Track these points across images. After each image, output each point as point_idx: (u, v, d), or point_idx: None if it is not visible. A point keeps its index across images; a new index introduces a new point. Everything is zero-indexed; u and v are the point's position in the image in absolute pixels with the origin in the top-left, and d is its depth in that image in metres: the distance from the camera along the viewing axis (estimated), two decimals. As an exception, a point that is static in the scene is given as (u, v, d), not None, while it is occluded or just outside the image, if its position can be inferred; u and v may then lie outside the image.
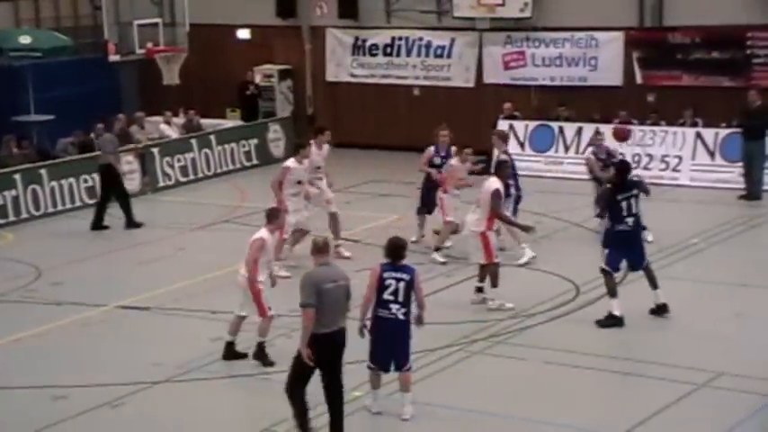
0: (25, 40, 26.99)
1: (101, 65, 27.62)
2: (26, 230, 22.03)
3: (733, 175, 23.58)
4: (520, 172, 23.10)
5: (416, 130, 28.11)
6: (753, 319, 15.53)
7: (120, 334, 15.73)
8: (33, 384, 13.74)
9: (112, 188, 21.97)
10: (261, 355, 14.00)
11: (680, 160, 24.31)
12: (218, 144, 26.93)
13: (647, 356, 14.19)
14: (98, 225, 21.77)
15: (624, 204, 15.35)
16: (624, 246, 15.44)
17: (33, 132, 26.58)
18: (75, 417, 12.75)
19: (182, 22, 27.92)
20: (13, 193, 22.49)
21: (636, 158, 23.47)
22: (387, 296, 12.06)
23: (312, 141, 18.90)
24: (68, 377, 13.87)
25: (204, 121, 28.27)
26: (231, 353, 14.21)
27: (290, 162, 18.30)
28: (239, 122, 28.89)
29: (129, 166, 24.55)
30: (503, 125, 26.14)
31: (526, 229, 16.89)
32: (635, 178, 16.06)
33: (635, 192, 15.46)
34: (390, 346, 12.24)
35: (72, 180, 23.50)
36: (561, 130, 25.80)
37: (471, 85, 28.08)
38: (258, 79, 29.68)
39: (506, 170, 16.59)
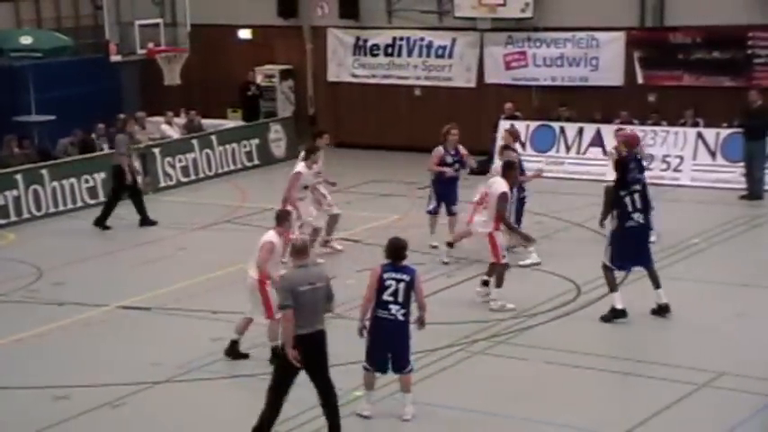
0: (26, 40, 26.99)
1: (102, 65, 27.63)
2: (27, 230, 22.04)
3: (734, 175, 23.58)
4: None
5: (417, 131, 28.17)
6: (754, 319, 15.52)
7: (121, 334, 15.73)
8: (34, 384, 13.75)
9: (124, 188, 21.95)
10: (232, 352, 14.09)
11: (681, 160, 24.31)
12: (219, 144, 26.93)
13: (648, 356, 14.20)
14: (101, 223, 21.73)
15: (628, 200, 15.32)
16: (633, 243, 15.40)
17: (34, 132, 26.60)
18: (76, 417, 12.76)
19: (183, 23, 27.93)
20: (15, 193, 22.50)
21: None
22: (386, 297, 12.04)
23: (302, 163, 18.73)
24: (69, 377, 13.88)
25: (205, 122, 28.29)
26: (234, 351, 14.21)
27: (301, 167, 18.31)
28: (240, 123, 28.90)
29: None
30: (504, 125, 26.15)
31: (526, 238, 16.78)
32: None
33: (637, 187, 15.45)
34: (389, 348, 12.22)
35: (73, 180, 23.51)
36: (562, 130, 25.80)
37: (472, 85, 28.09)
38: (259, 79, 29.69)
39: (514, 171, 16.54)
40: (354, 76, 29.51)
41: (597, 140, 25.05)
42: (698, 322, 15.44)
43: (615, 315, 15.40)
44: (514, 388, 13.31)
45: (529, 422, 12.34)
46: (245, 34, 30.48)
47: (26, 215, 22.61)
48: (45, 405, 13.14)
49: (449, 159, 19.27)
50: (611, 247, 15.45)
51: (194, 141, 26.55)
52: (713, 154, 24.26)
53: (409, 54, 28.77)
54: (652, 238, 18.18)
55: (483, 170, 21.41)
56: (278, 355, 11.61)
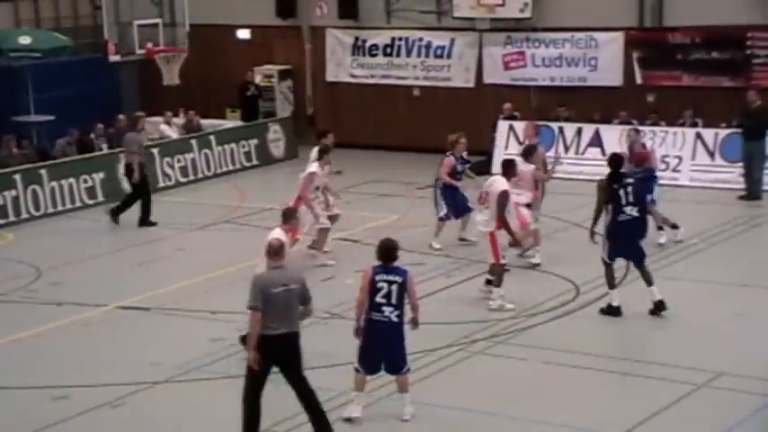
0: (25, 40, 26.97)
1: (101, 65, 27.62)
2: (26, 231, 22.03)
3: (733, 175, 23.58)
4: (520, 171, 23.20)
5: (416, 131, 28.19)
6: (753, 320, 15.53)
7: (120, 334, 15.73)
8: (33, 384, 13.75)
9: (135, 185, 22.03)
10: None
11: (680, 160, 24.31)
12: (218, 144, 26.93)
13: (647, 356, 14.20)
14: (115, 215, 21.86)
15: (621, 192, 15.41)
16: (624, 237, 15.48)
17: (33, 132, 26.59)
18: (75, 417, 12.76)
19: (182, 23, 27.91)
20: (13, 193, 22.50)
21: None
22: (379, 299, 12.00)
23: (315, 163, 18.70)
24: (68, 377, 13.88)
25: (204, 122, 28.27)
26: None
27: (315, 167, 18.35)
28: (239, 123, 28.88)
29: (128, 166, 24.56)
30: (503, 125, 26.19)
31: (516, 243, 16.59)
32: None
33: (630, 181, 15.59)
34: (384, 349, 12.17)
35: (72, 180, 23.51)
36: (561, 130, 25.79)
37: (471, 85, 28.08)
38: (258, 79, 29.67)
39: (514, 169, 16.57)
40: (353, 76, 29.51)
41: (596, 141, 25.05)
42: (697, 322, 15.45)
43: (611, 311, 15.46)
44: (513, 388, 13.31)
45: (528, 422, 12.34)
46: (243, 34, 30.47)
47: (25, 215, 22.60)
48: (44, 405, 13.13)
49: (459, 168, 19.40)
50: (608, 242, 15.53)
51: (193, 141, 26.54)
52: (712, 154, 24.26)
53: (408, 54, 28.76)
54: (661, 240, 18.37)
55: (484, 170, 21.39)
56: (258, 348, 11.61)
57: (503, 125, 26.24)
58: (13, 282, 18.26)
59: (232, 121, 29.13)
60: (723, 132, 24.21)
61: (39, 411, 12.93)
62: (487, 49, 27.74)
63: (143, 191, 22.06)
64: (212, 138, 26.97)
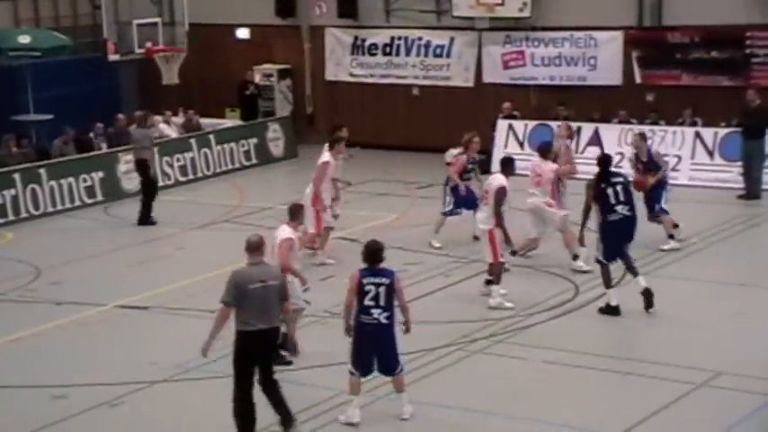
0: (24, 39, 26.96)
1: (100, 64, 27.62)
2: (25, 230, 22.03)
3: (732, 174, 23.58)
4: (519, 171, 23.18)
5: (416, 130, 28.19)
6: (752, 319, 15.53)
7: (119, 333, 15.74)
8: (32, 384, 13.75)
9: (146, 182, 22.14)
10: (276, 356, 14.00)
11: (679, 160, 24.29)
12: (217, 143, 26.92)
13: (647, 356, 14.20)
14: (145, 219, 21.98)
15: (611, 191, 15.48)
16: (617, 237, 15.53)
17: (32, 132, 26.58)
18: (74, 416, 12.76)
19: (181, 22, 27.91)
20: (13, 192, 22.50)
21: (632, 153, 23.41)
22: (368, 302, 11.99)
23: (327, 153, 18.77)
24: (68, 376, 13.88)
25: (203, 121, 28.26)
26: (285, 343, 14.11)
27: (327, 157, 18.40)
28: (238, 122, 28.88)
29: (128, 165, 24.57)
30: (502, 125, 26.20)
31: (508, 241, 16.35)
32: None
33: (620, 179, 15.68)
34: (375, 351, 12.16)
35: (71, 179, 23.51)
36: (569, 131, 25.70)
37: (470, 84, 28.08)
38: (257, 79, 29.66)
39: (512, 167, 16.62)
40: (352, 75, 29.50)
41: (595, 140, 25.03)
42: (696, 322, 15.45)
43: (610, 311, 15.49)
44: (513, 387, 13.31)
45: (528, 421, 12.34)
46: (243, 34, 30.46)
47: (24, 214, 22.61)
48: (43, 404, 13.14)
49: (469, 167, 19.49)
50: (602, 242, 15.55)
51: (192, 141, 26.54)
52: (711, 153, 24.26)
53: (407, 53, 28.76)
54: (671, 245, 18.37)
55: (483, 169, 21.39)
56: (236, 347, 11.66)
57: (502, 124, 26.25)
58: (12, 281, 18.26)
59: (231, 121, 29.12)
60: (722, 131, 24.21)
61: (38, 410, 12.93)
62: (487, 49, 27.73)
63: (153, 187, 22.07)
64: (212, 137, 26.97)
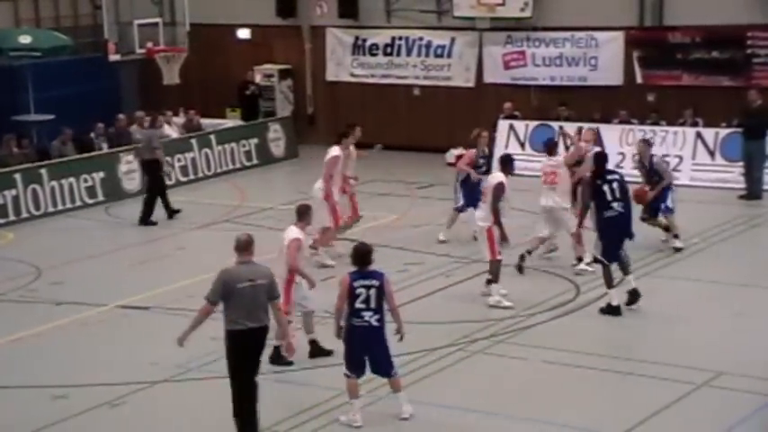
0: (25, 39, 26.96)
1: (101, 64, 27.62)
2: (26, 230, 22.03)
3: (733, 174, 23.58)
4: (519, 171, 23.19)
5: (416, 130, 28.18)
6: (753, 319, 15.53)
7: (120, 333, 15.73)
8: (33, 384, 13.75)
9: (157, 182, 22.21)
10: (316, 351, 14.00)
11: (680, 160, 24.29)
12: (218, 144, 26.92)
13: (647, 356, 14.18)
14: (171, 215, 22.15)
15: (606, 188, 15.56)
16: (616, 233, 15.56)
17: (33, 132, 26.58)
18: (74, 416, 12.76)
19: (182, 22, 27.91)
20: (14, 192, 22.51)
21: (635, 158, 23.40)
22: (359, 305, 12.00)
23: (336, 147, 18.83)
24: (68, 376, 13.88)
25: (204, 121, 28.27)
26: (317, 350, 14.08)
27: (336, 151, 18.45)
28: (239, 122, 28.88)
29: (129, 165, 24.59)
30: (503, 125, 26.18)
31: (504, 238, 16.32)
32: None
33: (616, 176, 15.76)
34: (367, 353, 12.15)
35: (72, 180, 23.52)
36: (561, 129, 25.75)
37: (471, 84, 28.07)
38: (258, 79, 29.66)
39: (511, 165, 16.64)
40: (353, 75, 29.50)
41: (597, 140, 24.97)
42: (696, 322, 15.45)
43: (611, 311, 15.50)
44: (514, 387, 13.30)
45: (528, 422, 12.33)
46: (243, 34, 30.46)
47: (25, 215, 22.61)
48: (44, 404, 13.13)
49: (480, 162, 19.52)
50: (601, 240, 15.58)
51: (193, 141, 26.53)
52: (712, 154, 24.25)
53: (408, 54, 28.75)
54: (677, 244, 18.32)
55: (486, 169, 21.37)
56: (227, 347, 11.70)
57: (503, 124, 26.23)
58: (13, 281, 18.26)
59: (232, 121, 29.13)
60: (723, 132, 24.21)
61: (38, 411, 12.92)
62: (488, 49, 27.73)
63: (160, 187, 22.20)
64: (212, 137, 26.97)
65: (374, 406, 12.54)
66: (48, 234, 21.79)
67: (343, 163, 18.57)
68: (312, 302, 14.10)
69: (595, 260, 15.86)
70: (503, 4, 26.81)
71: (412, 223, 20.64)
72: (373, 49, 29.13)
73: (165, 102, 28.37)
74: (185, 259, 19.54)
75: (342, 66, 29.57)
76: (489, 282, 16.43)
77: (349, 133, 18.89)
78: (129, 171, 24.58)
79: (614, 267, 15.83)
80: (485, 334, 15.05)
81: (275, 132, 28.55)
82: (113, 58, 26.74)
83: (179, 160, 25.84)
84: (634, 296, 15.69)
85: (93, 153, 24.97)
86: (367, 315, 11.99)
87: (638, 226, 18.44)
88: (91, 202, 23.69)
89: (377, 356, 12.15)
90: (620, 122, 25.26)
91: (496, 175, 16.35)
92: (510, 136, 25.98)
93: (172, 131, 27.27)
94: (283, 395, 13.15)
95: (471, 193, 19.17)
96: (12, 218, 22.37)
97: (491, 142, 25.58)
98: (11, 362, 14.70)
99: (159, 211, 22.23)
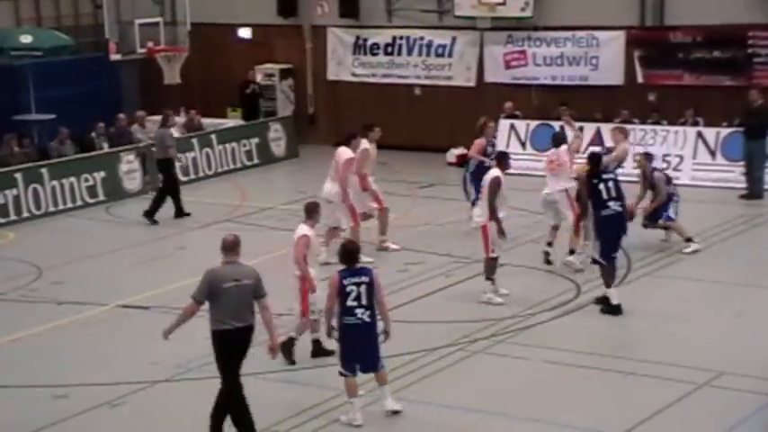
0: (26, 39, 26.97)
1: (102, 64, 27.62)
2: (27, 229, 22.03)
3: (734, 174, 23.56)
4: (521, 171, 23.21)
5: (417, 130, 28.16)
6: (754, 319, 15.51)
7: (121, 333, 15.73)
8: (33, 383, 13.75)
9: (171, 180, 22.28)
10: (287, 350, 13.96)
11: (681, 159, 24.28)
12: (218, 143, 26.92)
13: (648, 356, 14.16)
14: (180, 214, 22.20)
15: (603, 187, 15.61)
16: (613, 230, 15.59)
17: (34, 131, 26.59)
18: (75, 416, 12.76)
19: (183, 22, 27.92)
20: (14, 192, 22.51)
21: (636, 158, 23.38)
22: (350, 303, 12.02)
23: (364, 139, 19.08)
24: (69, 376, 13.87)
25: (205, 121, 28.26)
26: (319, 350, 14.07)
27: (366, 144, 18.81)
28: (240, 122, 28.88)
29: (129, 165, 24.60)
30: (504, 124, 26.16)
31: (502, 232, 16.30)
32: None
33: (611, 176, 15.84)
34: (361, 349, 12.16)
35: (73, 179, 23.51)
36: (562, 129, 25.69)
37: (472, 84, 28.06)
38: (259, 78, 29.66)
39: (507, 160, 16.69)
40: (354, 75, 29.49)
41: (597, 140, 25.00)
42: (698, 322, 15.44)
43: (611, 310, 15.54)
44: (515, 387, 13.29)
45: (529, 421, 12.32)
46: (244, 33, 30.45)
47: (26, 214, 22.61)
48: (44, 404, 13.13)
49: (488, 150, 19.64)
50: (599, 240, 15.59)
51: (194, 140, 26.52)
52: (713, 153, 24.24)
53: (409, 53, 28.74)
54: (688, 250, 18.31)
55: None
56: (214, 348, 11.72)
57: (504, 124, 26.21)
58: (13, 281, 18.26)
59: (233, 120, 29.13)
60: (724, 131, 24.19)
61: (39, 410, 12.92)
62: (488, 48, 27.72)
63: (173, 186, 22.29)
64: (213, 137, 26.97)
65: (375, 405, 12.53)
66: (48, 234, 21.79)
67: (360, 162, 18.72)
68: (321, 302, 14.11)
69: (594, 261, 15.85)
70: (504, 4, 26.79)
71: (413, 223, 20.62)
72: (374, 49, 29.12)
73: (166, 101, 28.29)
74: (186, 259, 19.52)
75: (343, 65, 29.56)
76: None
77: (355, 135, 18.98)
78: (130, 171, 24.59)
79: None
80: (485, 334, 15.04)
81: (276, 132, 28.54)
82: (114, 57, 26.76)
83: (179, 160, 25.79)
84: (603, 302, 15.69)
85: (93, 153, 24.97)
86: (359, 312, 12.02)
87: (638, 227, 18.52)
88: (92, 201, 23.68)
89: (368, 352, 12.16)
90: (622, 122, 25.19)
91: (492, 171, 16.38)
92: (511, 136, 25.96)
93: (173, 131, 27.23)
94: (283, 395, 13.15)
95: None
96: (13, 217, 22.37)
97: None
98: (11, 361, 14.70)
99: (162, 212, 22.21)
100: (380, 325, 12.31)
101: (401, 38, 28.77)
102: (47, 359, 14.68)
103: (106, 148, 25.45)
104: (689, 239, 18.64)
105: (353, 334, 12.08)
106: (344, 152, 18.54)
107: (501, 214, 16.07)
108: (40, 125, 26.74)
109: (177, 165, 22.92)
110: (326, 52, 29.72)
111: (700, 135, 24.42)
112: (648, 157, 19.52)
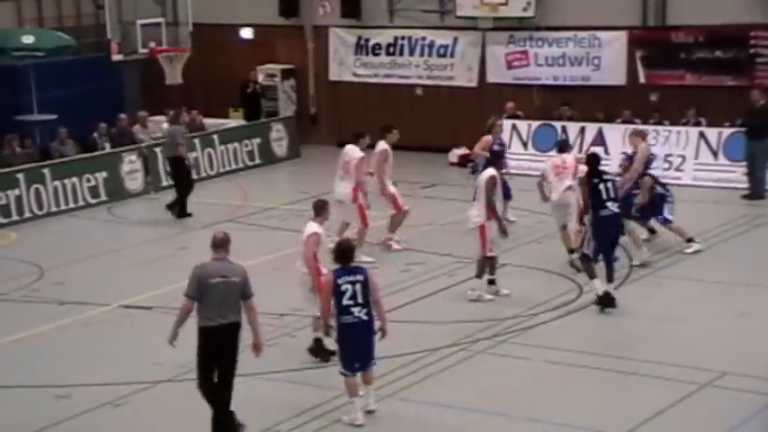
0: (28, 39, 26.95)
1: (103, 64, 27.64)
2: (29, 230, 22.04)
3: (736, 174, 23.55)
4: (522, 171, 23.21)
5: (419, 130, 28.13)
6: (756, 319, 15.51)
7: (122, 333, 15.74)
8: (35, 383, 13.75)
9: (182, 178, 22.35)
10: (317, 349, 13.96)
11: (683, 159, 24.27)
12: (220, 143, 26.92)
13: (650, 356, 14.16)
14: (183, 214, 22.23)
15: (602, 188, 15.71)
16: (608, 230, 15.69)
17: (36, 132, 26.58)
18: (77, 416, 12.76)
19: (184, 22, 27.95)
20: (16, 192, 22.52)
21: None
22: (346, 301, 12.05)
23: (382, 141, 19.23)
24: (71, 376, 13.88)
25: (207, 121, 28.26)
26: (319, 349, 14.04)
27: (384, 144, 19.03)
28: (242, 122, 28.88)
29: (131, 165, 24.61)
30: (505, 125, 26.12)
31: (503, 231, 16.48)
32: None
33: (610, 176, 15.97)
34: (359, 348, 12.19)
35: (75, 179, 23.53)
36: (564, 129, 25.75)
37: (474, 84, 28.05)
38: (261, 79, 29.66)
39: (501, 161, 16.78)
40: (356, 75, 29.49)
41: (599, 140, 25.01)
42: (700, 322, 15.43)
43: (602, 301, 15.61)
44: (517, 387, 13.29)
45: (531, 421, 12.32)
46: (246, 34, 30.45)
47: (28, 214, 22.62)
48: (46, 404, 13.14)
49: (496, 147, 19.83)
50: (594, 239, 15.61)
51: (196, 141, 26.51)
52: (715, 153, 24.22)
53: (411, 53, 28.73)
54: (689, 250, 18.28)
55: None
56: (198, 343, 11.76)
57: (505, 124, 26.15)
58: (15, 281, 18.27)
59: (235, 121, 29.13)
60: (726, 131, 24.17)
61: (41, 410, 12.93)
62: (490, 49, 27.71)
63: (190, 182, 22.34)
64: (215, 137, 26.97)
65: (375, 406, 12.52)
66: (50, 234, 21.80)
67: (379, 164, 18.96)
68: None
69: (583, 255, 15.88)
70: (505, 4, 26.79)
71: (415, 223, 20.59)
72: (376, 49, 29.12)
73: (168, 101, 28.32)
74: (188, 259, 19.28)
75: (344, 65, 29.56)
76: (491, 282, 16.46)
77: (364, 134, 19.06)
78: (132, 171, 24.60)
79: (617, 265, 15.84)
80: (487, 334, 15.04)
81: (278, 132, 28.54)
82: (116, 57, 26.79)
83: (188, 159, 25.78)
84: (605, 302, 15.69)
85: (95, 153, 24.97)
86: (356, 310, 12.04)
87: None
88: (93, 201, 23.69)
89: (365, 350, 12.18)
90: (623, 122, 25.22)
91: (487, 171, 16.42)
92: (513, 136, 25.95)
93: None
94: (284, 395, 13.15)
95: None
96: (15, 218, 22.38)
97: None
98: (13, 361, 14.70)
99: (162, 212, 22.23)
100: (377, 324, 12.32)
101: (403, 38, 28.77)
102: (49, 359, 14.69)
103: (108, 148, 25.45)
104: (690, 240, 18.63)
105: (352, 333, 12.10)
106: (354, 151, 18.60)
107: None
108: (41, 125, 26.73)
109: (186, 163, 22.88)
110: (328, 52, 29.72)
111: (702, 135, 24.40)
112: (654, 184, 19.24)
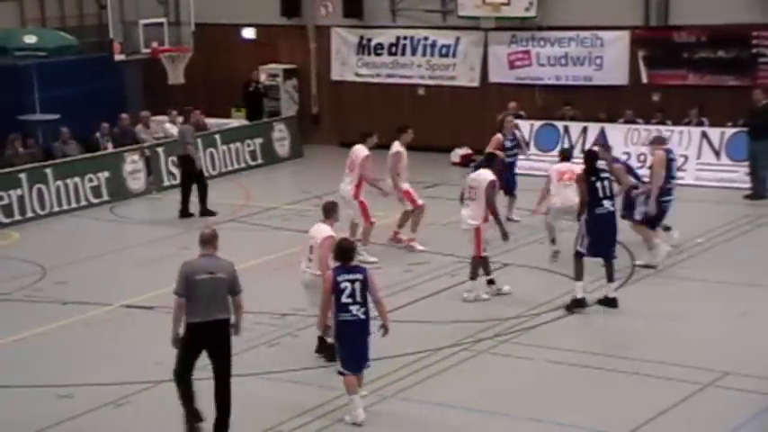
0: (30, 39, 26.96)
1: (106, 64, 27.63)
2: (31, 229, 22.05)
3: (738, 174, 23.56)
4: (523, 171, 23.18)
5: (421, 130, 27.92)
6: (758, 319, 15.50)
7: (125, 333, 15.74)
8: (38, 383, 13.76)
9: (192, 177, 22.35)
10: (323, 349, 13.95)
11: (685, 159, 24.24)
12: (222, 143, 26.93)
13: (652, 356, 14.15)
14: (185, 213, 22.26)
15: (599, 185, 15.69)
16: (602, 230, 15.67)
17: (38, 132, 26.58)
18: (79, 416, 12.76)
19: (187, 22, 27.93)
20: (19, 192, 22.53)
21: (641, 158, 23.42)
22: (345, 299, 12.07)
23: (396, 141, 19.39)
24: (73, 376, 13.89)
25: (209, 121, 28.25)
26: (324, 347, 14.02)
27: (398, 146, 19.24)
28: (244, 122, 28.89)
29: (133, 165, 24.62)
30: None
31: (504, 234, 16.47)
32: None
33: (607, 175, 15.92)
34: (357, 346, 12.21)
35: (77, 179, 23.54)
36: (566, 129, 25.76)
37: (476, 84, 28.06)
38: (263, 78, 29.67)
39: (497, 164, 16.76)
40: (358, 75, 29.50)
41: (601, 140, 24.97)
42: (702, 322, 15.43)
43: (576, 304, 15.64)
44: (518, 387, 13.29)
45: (533, 422, 12.31)
46: (248, 34, 30.47)
47: (30, 214, 22.63)
48: (48, 404, 13.14)
49: (507, 144, 20.27)
50: (589, 236, 15.63)
51: (198, 140, 26.46)
52: (717, 153, 24.22)
53: (413, 53, 28.74)
54: (674, 235, 18.24)
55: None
56: (183, 338, 11.84)
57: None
58: (17, 280, 18.28)
59: (237, 121, 29.14)
60: (729, 131, 24.17)
61: (43, 410, 12.93)
62: (492, 48, 27.71)
63: (200, 180, 22.46)
64: (217, 137, 26.98)
65: (377, 405, 12.54)
66: (53, 234, 21.81)
67: (394, 164, 19.11)
68: None
69: (576, 252, 15.85)
70: (508, 4, 26.78)
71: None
72: (378, 49, 29.13)
73: (170, 101, 28.35)
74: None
75: (347, 65, 29.57)
76: (490, 282, 16.45)
77: (371, 133, 19.20)
78: (134, 171, 24.61)
79: (618, 265, 15.82)
80: (489, 334, 15.04)
81: (280, 132, 28.55)
82: (118, 57, 26.77)
83: (196, 159, 25.79)
84: (610, 303, 15.73)
85: (98, 153, 24.98)
86: (354, 309, 12.07)
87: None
88: (96, 201, 23.70)
89: (359, 348, 12.19)
90: (626, 122, 25.23)
91: (485, 174, 16.35)
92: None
93: (176, 131, 27.24)
94: (285, 395, 13.15)
95: (504, 177, 19.21)
96: (17, 217, 22.40)
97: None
98: (16, 361, 14.71)
99: (163, 213, 22.22)
100: (375, 324, 12.32)
101: (405, 38, 28.77)
102: (51, 359, 14.70)
103: (110, 148, 25.46)
104: (650, 248, 17.96)
105: (350, 331, 12.13)
106: (360, 149, 18.66)
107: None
108: (44, 125, 26.74)
109: (196, 163, 22.82)
110: (330, 52, 29.74)
111: (704, 135, 24.40)
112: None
